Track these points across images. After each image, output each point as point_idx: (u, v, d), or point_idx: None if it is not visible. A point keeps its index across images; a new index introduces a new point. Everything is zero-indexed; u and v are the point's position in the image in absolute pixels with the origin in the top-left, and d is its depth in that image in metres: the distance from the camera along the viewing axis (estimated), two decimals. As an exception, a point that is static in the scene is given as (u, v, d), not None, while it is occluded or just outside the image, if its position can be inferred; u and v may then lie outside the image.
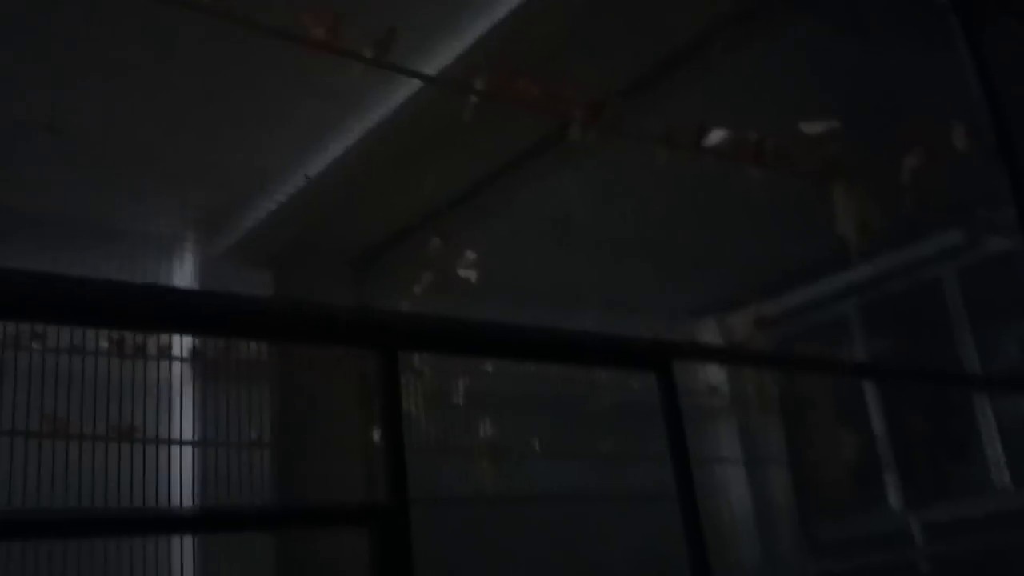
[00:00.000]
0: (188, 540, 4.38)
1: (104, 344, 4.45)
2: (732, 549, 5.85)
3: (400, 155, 4.93)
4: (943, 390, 5.93)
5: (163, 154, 4.75)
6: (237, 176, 5.00)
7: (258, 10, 3.11)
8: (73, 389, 4.40)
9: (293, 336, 1.86)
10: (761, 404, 6.13)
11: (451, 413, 5.16)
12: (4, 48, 4.07)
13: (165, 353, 4.81)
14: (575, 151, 4.87)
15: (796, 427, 6.71)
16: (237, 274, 5.24)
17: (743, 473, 6.49)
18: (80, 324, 1.63)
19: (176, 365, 4.96)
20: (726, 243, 6.17)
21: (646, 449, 5.52)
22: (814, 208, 4.99)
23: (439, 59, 4.29)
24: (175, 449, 4.78)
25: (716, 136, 4.17)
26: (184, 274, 5.32)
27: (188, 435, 4.86)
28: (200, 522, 1.68)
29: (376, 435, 4.84)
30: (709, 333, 7.05)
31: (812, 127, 4.35)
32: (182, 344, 4.90)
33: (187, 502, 4.42)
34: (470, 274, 5.24)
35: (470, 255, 5.30)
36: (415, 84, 4.37)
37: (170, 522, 1.53)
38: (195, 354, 4.94)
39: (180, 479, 4.79)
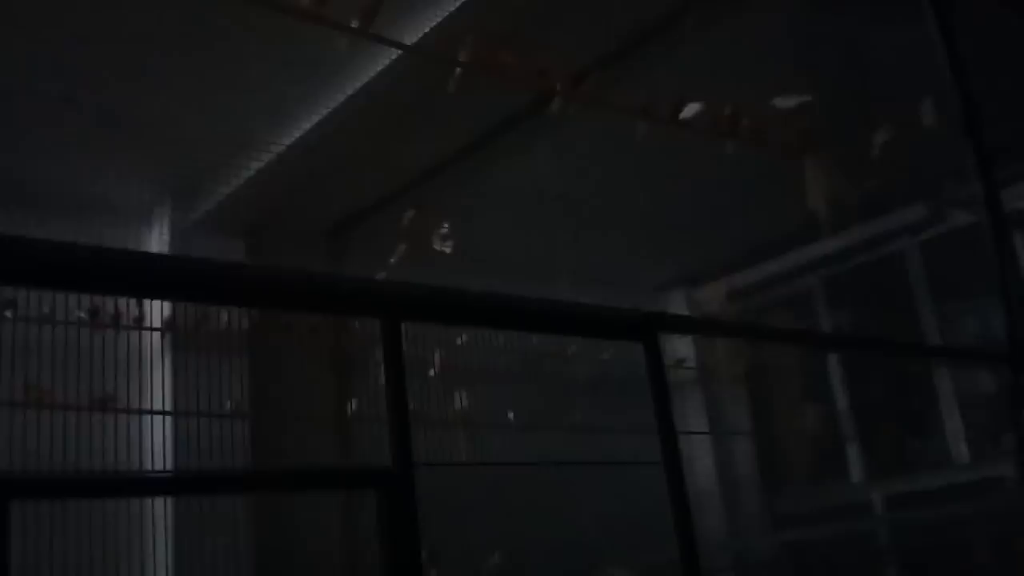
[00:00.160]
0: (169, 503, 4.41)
1: (80, 314, 4.42)
2: (697, 520, 5.95)
3: (376, 126, 4.92)
4: (904, 365, 6.05)
5: (137, 122, 4.71)
6: (212, 145, 4.97)
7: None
8: (45, 359, 4.38)
9: (300, 305, 1.89)
10: (731, 376, 6.23)
11: (425, 384, 5.18)
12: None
13: (140, 324, 4.79)
14: (549, 123, 4.91)
15: (761, 400, 6.82)
16: (210, 243, 5.21)
17: (708, 445, 6.59)
18: (95, 292, 1.64)
19: (151, 336, 4.95)
20: (692, 217, 6.24)
21: (618, 420, 5.62)
22: (780, 182, 5.07)
23: (416, 30, 4.29)
24: (151, 420, 4.77)
25: (691, 109, 4.22)
26: (157, 242, 5.29)
27: (164, 406, 4.85)
28: (214, 483, 1.71)
29: (352, 405, 4.87)
30: (677, 306, 7.13)
31: (785, 102, 4.42)
32: (160, 313, 4.89)
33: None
34: (444, 245, 5.27)
35: (444, 226, 5.33)
36: (392, 54, 4.37)
37: (180, 483, 1.56)
38: (170, 325, 4.93)
39: (154, 449, 4.79)
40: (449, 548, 3.99)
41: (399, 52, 4.20)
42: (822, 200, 4.25)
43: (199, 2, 4.07)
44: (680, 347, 6.62)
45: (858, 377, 6.42)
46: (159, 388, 4.83)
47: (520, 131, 5.31)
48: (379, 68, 4.53)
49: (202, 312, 4.85)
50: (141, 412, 4.75)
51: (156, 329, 4.93)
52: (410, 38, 4.23)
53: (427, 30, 4.22)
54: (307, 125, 4.89)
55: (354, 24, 3.13)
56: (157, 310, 4.98)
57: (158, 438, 4.84)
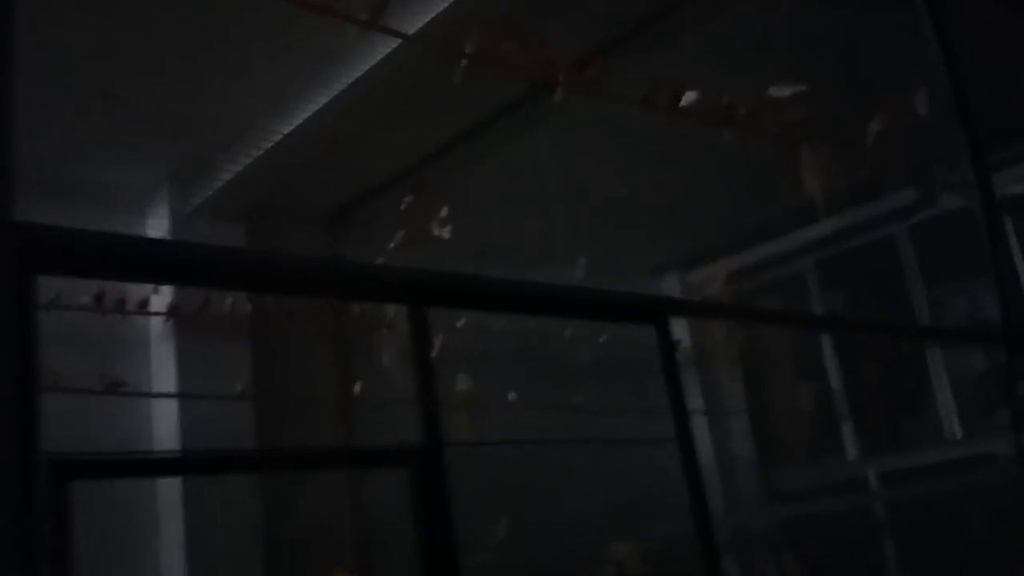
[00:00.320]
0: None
1: (84, 299, 4.47)
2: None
3: (375, 112, 4.97)
4: (898, 345, 6.15)
5: (138, 107, 4.74)
6: (212, 130, 5.01)
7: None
8: (52, 343, 4.42)
9: (327, 292, 1.95)
10: (727, 357, 6.32)
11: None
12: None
13: (144, 309, 4.85)
14: (546, 110, 4.97)
15: (756, 379, 6.92)
16: (210, 228, 5.26)
17: (705, 424, 6.69)
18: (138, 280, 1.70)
19: (156, 321, 5.00)
20: (685, 201, 6.30)
21: (616, 400, 5.71)
22: (773, 167, 5.14)
23: (417, 19, 4.34)
24: (158, 403, 4.84)
25: (689, 98, 4.28)
26: (157, 227, 5.34)
27: (170, 389, 4.91)
28: (253, 462, 1.78)
29: (357, 388, 4.92)
30: (671, 289, 7.21)
31: (780, 91, 4.48)
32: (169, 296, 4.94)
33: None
34: (443, 231, 5.32)
35: (443, 212, 5.38)
36: (393, 42, 4.41)
37: (223, 463, 1.62)
38: (174, 310, 4.98)
39: (159, 431, 4.85)
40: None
41: (400, 41, 4.25)
42: (818, 187, 4.33)
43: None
44: (676, 328, 6.69)
45: (852, 357, 6.52)
46: (164, 371, 4.88)
47: (517, 118, 5.37)
48: (379, 56, 4.58)
49: (205, 297, 4.90)
50: (147, 395, 4.81)
51: (161, 314, 4.99)
52: (411, 27, 4.28)
53: (428, 19, 4.27)
54: (307, 111, 4.93)
55: (363, 18, 3.18)
56: (160, 295, 5.04)
57: (162, 420, 4.90)
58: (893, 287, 6.38)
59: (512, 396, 5.52)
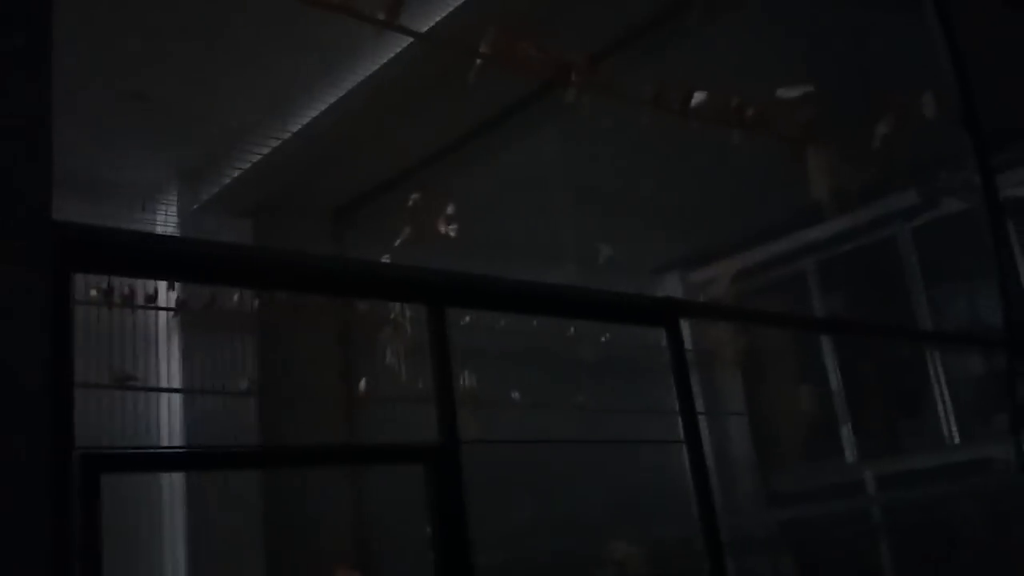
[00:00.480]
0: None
1: (92, 293, 4.49)
2: (692, 500, 6.10)
3: (384, 110, 4.99)
4: (897, 348, 6.18)
5: (148, 104, 4.77)
6: (221, 127, 5.04)
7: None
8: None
9: (347, 291, 1.98)
10: (727, 358, 6.35)
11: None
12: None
13: (153, 303, 4.88)
14: (551, 108, 4.99)
15: (756, 381, 6.94)
16: (217, 223, 5.29)
17: (704, 425, 6.71)
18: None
19: (163, 315, 5.03)
20: (687, 201, 6.33)
21: (617, 400, 5.74)
22: (776, 168, 5.17)
23: (428, 17, 4.37)
24: (163, 397, 4.87)
25: (698, 98, 4.31)
26: (165, 222, 5.36)
27: (175, 384, 4.94)
28: (267, 458, 1.81)
29: (361, 385, 4.95)
30: (672, 289, 7.23)
31: (788, 92, 4.52)
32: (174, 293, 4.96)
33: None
34: (448, 229, 5.36)
35: (448, 210, 5.41)
36: (403, 40, 4.44)
37: (235, 458, 1.65)
38: (182, 305, 5.01)
39: (165, 425, 4.88)
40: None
41: (410, 39, 4.27)
42: (824, 188, 4.36)
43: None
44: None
45: (851, 359, 6.55)
46: (170, 366, 4.91)
47: (523, 116, 5.39)
48: (389, 55, 4.61)
49: (212, 293, 4.93)
50: (155, 390, 4.84)
51: (169, 309, 5.02)
52: (421, 25, 4.31)
53: (439, 18, 4.30)
54: (316, 109, 4.96)
55: (380, 17, 3.21)
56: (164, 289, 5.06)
57: (167, 415, 4.93)
58: (894, 289, 6.40)
59: (515, 395, 5.55)
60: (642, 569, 5.10)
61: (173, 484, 4.78)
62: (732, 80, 4.62)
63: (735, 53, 4.78)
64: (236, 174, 5.32)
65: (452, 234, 5.33)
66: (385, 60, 4.63)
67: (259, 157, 5.17)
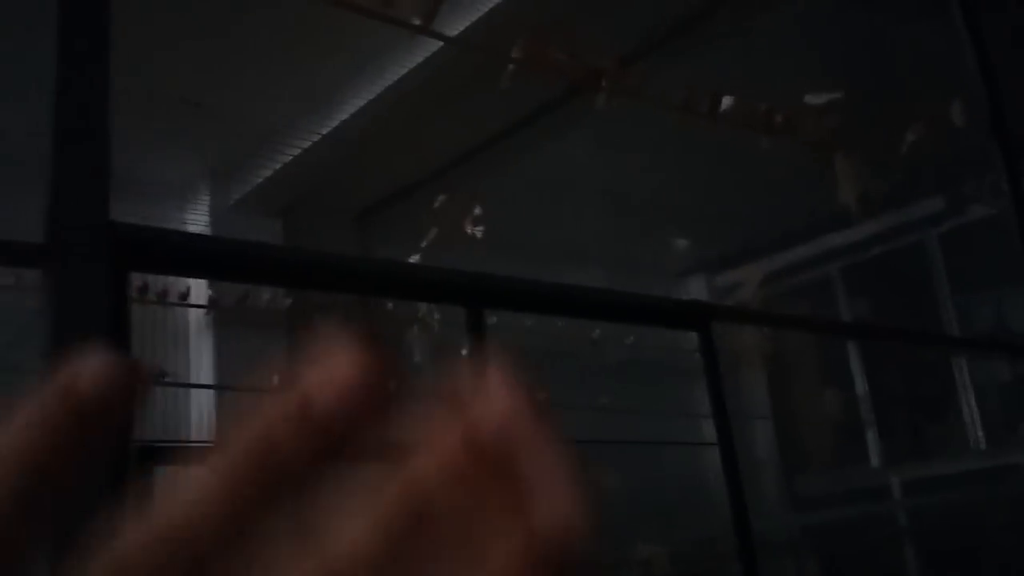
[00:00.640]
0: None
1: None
2: (721, 500, 6.11)
3: (412, 113, 5.04)
4: (924, 354, 6.18)
5: (179, 103, 4.83)
6: (253, 127, 5.09)
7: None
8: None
9: (388, 293, 2.02)
10: (753, 362, 6.37)
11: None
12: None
13: (185, 300, 4.94)
14: (576, 112, 5.03)
15: (782, 384, 6.95)
16: (248, 223, 5.35)
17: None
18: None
19: (195, 313, 5.10)
20: (712, 204, 6.35)
21: (642, 402, 5.77)
22: (803, 174, 5.18)
23: (459, 22, 4.41)
24: (194, 393, 4.93)
25: (726, 103, 4.33)
26: (197, 222, 5.43)
27: (207, 380, 5.01)
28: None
29: (391, 385, 5.03)
30: (698, 293, 7.26)
31: (816, 98, 4.53)
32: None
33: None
34: (474, 230, 5.40)
35: (475, 211, 5.45)
36: (433, 44, 4.48)
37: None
38: (214, 302, 5.08)
39: (196, 421, 4.94)
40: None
41: (441, 43, 4.31)
42: (852, 194, 4.37)
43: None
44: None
45: (878, 364, 6.55)
46: (203, 362, 4.98)
47: (551, 119, 5.43)
48: (420, 59, 4.65)
49: (245, 290, 4.99)
50: (188, 386, 4.90)
51: (201, 306, 5.08)
52: (452, 30, 4.35)
53: (470, 22, 4.34)
54: (347, 111, 5.01)
55: (415, 21, 3.25)
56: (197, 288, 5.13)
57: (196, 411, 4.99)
58: (920, 295, 6.40)
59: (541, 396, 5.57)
60: (668, 569, 5.12)
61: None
62: (760, 85, 4.64)
63: (763, 58, 4.79)
64: (267, 174, 5.38)
65: (478, 236, 5.37)
66: (415, 64, 4.67)
67: (290, 158, 5.23)
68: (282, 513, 0.26)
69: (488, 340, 1.98)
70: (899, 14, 4.74)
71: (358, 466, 0.28)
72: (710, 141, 4.91)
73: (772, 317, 3.87)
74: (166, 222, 4.98)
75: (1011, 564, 5.05)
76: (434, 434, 0.27)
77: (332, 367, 0.27)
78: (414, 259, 5.12)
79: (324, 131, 5.03)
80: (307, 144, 5.11)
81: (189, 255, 1.48)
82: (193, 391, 5.02)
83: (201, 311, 5.15)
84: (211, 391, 5.03)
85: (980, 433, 5.95)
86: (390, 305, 5.51)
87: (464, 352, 5.47)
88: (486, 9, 4.39)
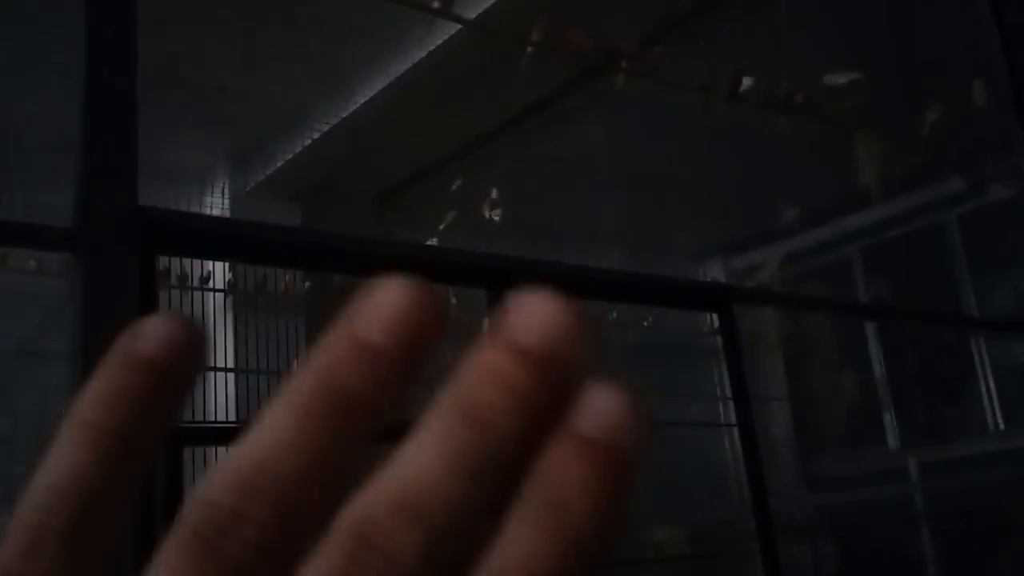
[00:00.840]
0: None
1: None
2: (736, 481, 6.12)
3: (431, 96, 5.05)
4: (942, 335, 6.16)
5: (199, 88, 4.85)
6: (272, 112, 5.11)
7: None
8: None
9: (413, 275, 2.03)
10: (770, 343, 6.36)
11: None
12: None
13: (204, 285, 4.97)
14: (598, 95, 5.02)
15: (799, 366, 6.95)
16: (267, 208, 5.37)
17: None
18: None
19: (215, 297, 5.13)
20: (730, 187, 6.34)
21: (657, 384, 5.77)
22: (820, 154, 5.16)
23: (477, 3, 4.40)
24: (216, 377, 4.97)
25: (745, 84, 4.31)
26: (215, 206, 5.46)
27: (227, 363, 5.05)
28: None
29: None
30: (715, 275, 7.25)
31: (835, 78, 4.50)
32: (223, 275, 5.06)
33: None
34: (492, 213, 5.40)
35: (492, 194, 5.45)
36: (452, 27, 4.48)
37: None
38: (232, 286, 5.11)
39: (217, 403, 4.98)
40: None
41: (459, 26, 4.31)
42: (873, 175, 4.35)
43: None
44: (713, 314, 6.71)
45: (896, 346, 6.53)
46: (223, 347, 5.01)
47: (568, 102, 5.42)
48: (438, 42, 4.65)
49: (263, 274, 5.02)
50: (208, 369, 4.93)
51: (219, 290, 5.12)
52: (472, 12, 4.34)
53: (489, 4, 4.33)
54: (365, 95, 5.02)
55: (435, 4, 3.25)
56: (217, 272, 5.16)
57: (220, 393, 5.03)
58: (939, 276, 6.37)
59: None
60: (682, 549, 5.15)
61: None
62: (779, 65, 4.62)
63: (783, 38, 4.77)
64: (286, 159, 5.40)
65: (496, 219, 5.37)
66: (434, 47, 4.67)
67: (309, 142, 5.25)
68: (359, 447, 0.27)
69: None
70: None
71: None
72: (729, 123, 4.90)
73: (793, 298, 3.86)
74: (185, 208, 5.01)
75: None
76: (482, 348, 0.27)
77: (387, 300, 0.28)
78: (432, 243, 5.13)
79: (343, 115, 5.04)
80: (325, 128, 5.12)
81: (217, 239, 1.49)
82: (213, 374, 5.05)
83: (220, 295, 5.18)
84: (231, 374, 5.07)
85: (998, 415, 5.94)
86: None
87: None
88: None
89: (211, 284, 5.03)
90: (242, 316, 5.13)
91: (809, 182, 6.15)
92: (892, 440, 6.39)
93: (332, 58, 4.88)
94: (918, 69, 4.87)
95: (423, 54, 4.70)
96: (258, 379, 5.05)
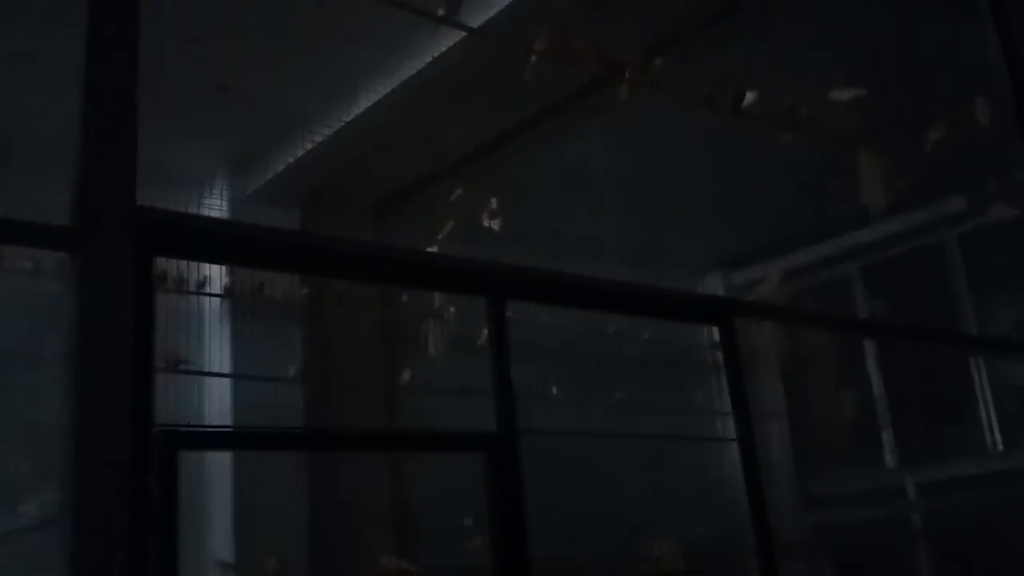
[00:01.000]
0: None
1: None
2: (734, 498, 6.09)
3: (431, 105, 5.03)
4: (940, 354, 6.13)
5: (199, 94, 4.83)
6: (273, 117, 5.09)
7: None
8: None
9: (411, 282, 2.01)
10: (769, 359, 6.34)
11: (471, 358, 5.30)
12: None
13: (201, 289, 4.95)
14: (600, 106, 5.00)
15: (797, 383, 6.91)
16: (266, 213, 5.35)
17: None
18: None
19: (213, 302, 5.11)
20: (732, 201, 6.32)
21: (654, 398, 5.74)
22: (822, 170, 5.15)
23: (482, 13, 4.39)
24: (212, 381, 4.94)
25: (748, 98, 4.30)
26: (215, 210, 5.43)
27: (223, 368, 5.02)
28: (340, 440, 1.85)
29: (405, 376, 4.98)
30: (714, 289, 7.22)
31: (840, 95, 4.50)
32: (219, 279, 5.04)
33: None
34: (491, 222, 5.38)
35: (491, 204, 5.43)
36: (455, 35, 4.46)
37: (307, 439, 1.69)
38: (229, 291, 5.08)
39: (211, 409, 4.95)
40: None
41: (462, 34, 4.29)
42: (875, 191, 4.34)
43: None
44: (713, 329, 6.68)
45: (894, 365, 6.51)
46: (218, 351, 4.99)
47: (571, 112, 5.41)
48: (441, 49, 4.64)
49: (261, 280, 4.99)
50: (207, 374, 4.91)
51: (216, 295, 5.09)
52: (475, 20, 4.33)
53: (493, 13, 4.32)
54: (367, 101, 5.00)
55: (440, 12, 3.24)
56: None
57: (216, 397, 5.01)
58: (939, 295, 6.35)
59: (554, 390, 5.58)
60: (679, 564, 5.10)
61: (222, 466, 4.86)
62: (784, 80, 4.61)
63: (787, 53, 4.77)
64: (286, 164, 5.38)
65: (495, 228, 5.35)
66: (436, 54, 4.66)
67: (309, 147, 5.23)
68: None
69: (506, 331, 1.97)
70: (926, 11, 4.70)
71: None
72: (731, 136, 4.89)
73: (793, 313, 3.85)
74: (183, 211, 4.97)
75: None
76: None
77: None
78: (432, 250, 5.11)
79: (343, 121, 5.03)
80: (326, 134, 5.10)
81: (215, 240, 1.47)
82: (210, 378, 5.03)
83: (218, 300, 5.15)
84: (227, 379, 5.04)
85: (997, 435, 5.91)
86: (404, 297, 5.51)
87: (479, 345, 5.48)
88: (509, 1, 4.38)
89: (208, 288, 5.00)
90: (239, 321, 5.10)
91: (811, 198, 6.13)
92: (890, 459, 6.35)
93: (335, 63, 4.86)
94: (922, 87, 4.86)
95: (426, 61, 4.68)
96: (254, 384, 5.02)
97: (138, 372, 1.36)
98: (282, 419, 4.81)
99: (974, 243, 6.21)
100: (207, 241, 1.48)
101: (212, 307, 5.19)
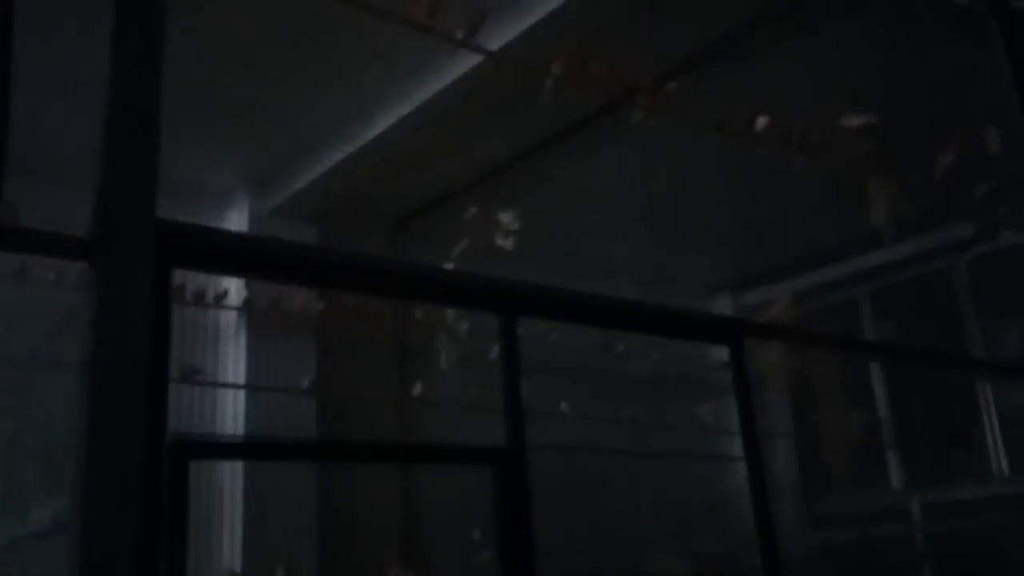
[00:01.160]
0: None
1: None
2: (741, 516, 6.12)
3: (450, 124, 5.09)
4: (947, 377, 6.15)
5: (221, 111, 4.91)
6: (294, 135, 5.16)
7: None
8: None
9: (424, 297, 2.07)
10: (780, 381, 6.37)
11: (484, 373, 5.35)
12: None
13: (221, 302, 5.02)
14: (614, 128, 5.05)
15: (804, 404, 6.94)
16: (286, 228, 5.42)
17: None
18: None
19: (229, 314, 5.18)
20: (741, 223, 6.36)
21: (663, 415, 5.78)
22: (832, 194, 5.19)
23: (501, 35, 4.45)
24: (227, 392, 5.01)
25: (760, 123, 4.35)
26: (236, 226, 5.51)
27: (238, 379, 5.08)
28: (352, 452, 1.90)
29: (417, 389, 5.02)
30: (723, 310, 7.26)
31: (851, 120, 4.54)
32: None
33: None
34: (506, 242, 5.43)
35: (506, 223, 5.49)
36: (474, 57, 4.52)
37: (320, 450, 1.74)
38: (247, 304, 5.15)
39: (225, 419, 5.01)
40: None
41: (481, 57, 4.35)
42: (884, 217, 4.38)
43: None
44: (721, 350, 6.71)
45: (901, 387, 6.53)
46: (233, 362, 5.05)
47: (585, 134, 5.47)
48: (461, 71, 4.70)
49: (278, 293, 5.06)
50: (222, 385, 4.97)
51: (234, 308, 5.16)
52: (494, 44, 4.39)
53: (512, 37, 4.39)
54: (386, 121, 5.07)
55: (459, 35, 3.31)
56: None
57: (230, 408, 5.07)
58: (946, 319, 6.38)
59: (564, 406, 5.62)
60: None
61: (234, 476, 4.91)
62: (796, 105, 4.65)
63: (800, 79, 4.81)
64: (306, 181, 5.45)
65: (508, 247, 5.41)
66: (455, 77, 4.73)
67: (329, 165, 5.30)
68: None
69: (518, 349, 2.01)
70: (937, 38, 4.74)
71: None
72: (743, 159, 4.94)
73: (804, 334, 3.87)
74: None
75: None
76: None
77: None
78: (448, 267, 5.16)
79: (364, 140, 5.10)
80: (346, 152, 5.17)
81: (233, 253, 1.53)
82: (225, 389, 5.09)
83: (235, 313, 5.22)
84: (242, 390, 5.11)
85: (1003, 459, 5.92)
86: (418, 312, 5.57)
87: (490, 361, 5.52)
88: (527, 25, 4.44)
89: (226, 302, 5.07)
90: (255, 333, 5.17)
91: (820, 221, 6.17)
92: (896, 480, 6.37)
93: (356, 83, 4.93)
94: (933, 113, 4.90)
95: (446, 83, 4.75)
96: (268, 396, 5.08)
97: (153, 381, 1.41)
98: (294, 430, 4.87)
99: (982, 268, 6.24)
100: (224, 254, 1.53)
101: (229, 319, 5.26)
